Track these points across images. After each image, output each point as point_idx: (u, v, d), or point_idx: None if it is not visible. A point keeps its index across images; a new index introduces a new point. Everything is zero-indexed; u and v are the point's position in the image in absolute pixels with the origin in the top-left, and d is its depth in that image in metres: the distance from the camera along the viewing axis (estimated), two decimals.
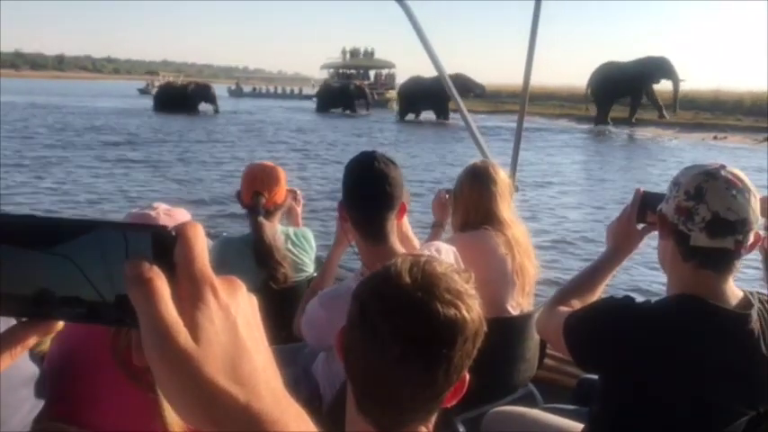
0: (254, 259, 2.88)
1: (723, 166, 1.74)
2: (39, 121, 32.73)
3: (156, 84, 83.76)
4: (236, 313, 0.50)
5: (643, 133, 36.13)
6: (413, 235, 2.71)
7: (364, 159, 2.21)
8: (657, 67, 38.08)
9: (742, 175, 1.74)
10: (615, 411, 1.84)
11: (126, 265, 0.49)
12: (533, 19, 3.91)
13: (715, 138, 33.05)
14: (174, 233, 0.51)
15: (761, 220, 1.76)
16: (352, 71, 69.01)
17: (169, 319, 0.47)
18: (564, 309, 1.94)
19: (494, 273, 2.80)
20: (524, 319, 2.85)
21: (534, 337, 2.84)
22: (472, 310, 1.20)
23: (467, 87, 42.76)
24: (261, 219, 2.92)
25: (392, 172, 2.19)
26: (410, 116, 44.86)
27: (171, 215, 1.89)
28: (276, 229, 2.99)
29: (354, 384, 1.28)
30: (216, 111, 45.52)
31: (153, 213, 1.88)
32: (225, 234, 3.42)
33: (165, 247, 0.50)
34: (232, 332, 0.50)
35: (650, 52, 42.37)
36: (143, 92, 77.42)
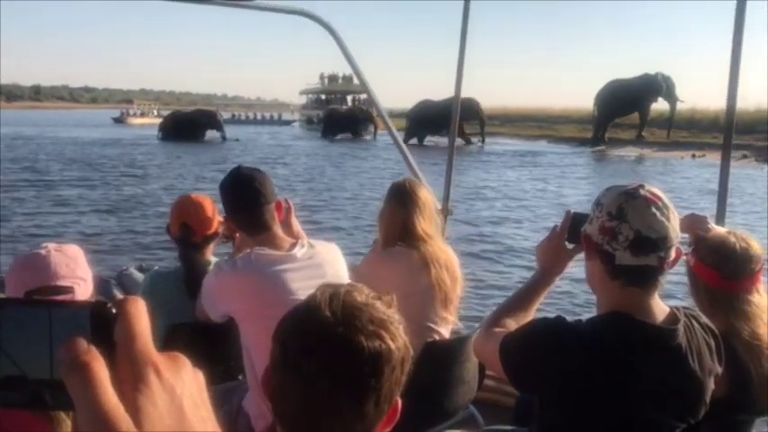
0: (185, 292, 2.82)
1: (642, 186, 1.79)
2: (26, 152, 31.07)
3: (132, 112, 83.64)
4: (181, 393, 0.48)
5: (627, 153, 36.09)
6: (302, 230, 2.81)
7: (233, 171, 2.57)
8: (659, 85, 38.12)
9: (661, 193, 1.79)
10: (552, 431, 1.87)
11: (61, 348, 0.46)
12: (461, 38, 4.04)
13: (693, 156, 33.24)
14: (114, 310, 0.49)
15: (680, 237, 1.81)
16: (331, 96, 69.11)
17: (108, 406, 0.44)
18: (499, 330, 1.95)
19: (409, 287, 2.83)
20: (461, 341, 2.90)
21: (473, 359, 2.87)
22: (397, 338, 1.20)
23: (473, 113, 42.56)
24: (190, 250, 2.91)
25: (258, 174, 2.54)
26: (413, 140, 42.29)
27: (62, 251, 1.87)
28: (208, 260, 2.95)
29: (284, 425, 1.25)
30: (223, 138, 44.48)
31: (43, 252, 1.86)
32: (156, 268, 3.37)
33: (105, 324, 0.49)
34: (177, 414, 0.47)
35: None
36: (117, 120, 76.52)
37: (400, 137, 4.36)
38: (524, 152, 36.82)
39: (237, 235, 2.71)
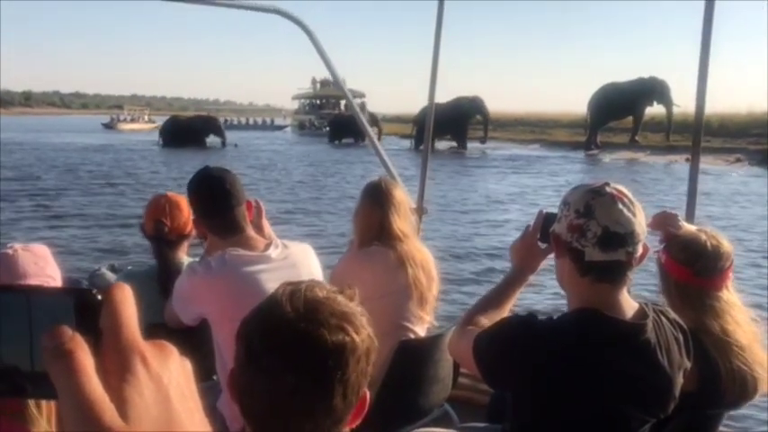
0: (159, 291, 2.78)
1: (607, 183, 1.83)
2: (30, 161, 29.87)
3: (122, 118, 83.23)
4: (168, 383, 0.46)
5: (622, 157, 35.84)
6: (272, 232, 2.77)
7: (201, 173, 2.52)
8: (653, 89, 37.95)
9: (626, 190, 1.82)
10: (525, 427, 1.89)
11: (44, 336, 0.45)
12: (435, 42, 3.99)
13: (687, 159, 32.74)
14: (99, 297, 0.48)
15: (646, 232, 1.84)
16: (324, 101, 69.06)
17: (93, 395, 0.43)
18: (473, 329, 1.96)
19: (387, 287, 2.85)
20: (435, 339, 2.90)
21: (447, 358, 2.87)
22: (360, 329, 1.20)
23: (479, 111, 42.74)
24: (164, 248, 2.88)
25: (227, 175, 2.50)
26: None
27: (30, 251, 1.86)
28: (182, 260, 2.92)
29: (253, 424, 1.25)
30: (223, 144, 44.02)
31: (10, 252, 1.84)
32: (129, 267, 3.35)
33: (90, 312, 0.47)
34: (164, 405, 0.45)
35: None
36: (107, 126, 76.06)
37: (375, 136, 4.40)
38: (533, 157, 36.40)
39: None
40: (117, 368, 0.45)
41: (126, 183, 22.15)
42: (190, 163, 27.73)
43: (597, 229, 1.76)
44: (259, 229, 2.66)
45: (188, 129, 43.91)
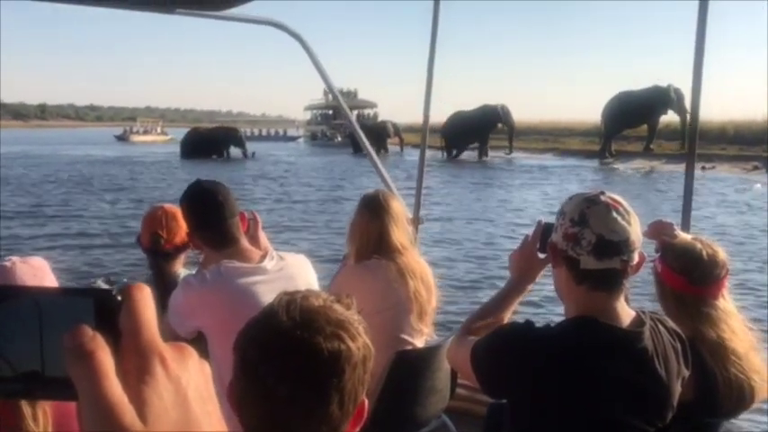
0: (156, 304, 2.42)
1: (602, 192, 1.84)
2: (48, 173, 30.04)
3: (135, 130, 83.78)
4: (186, 385, 0.46)
5: (636, 165, 35.38)
6: (269, 244, 2.76)
7: (193, 186, 2.52)
8: (668, 97, 37.55)
9: (620, 199, 1.83)
10: None
11: (65, 336, 0.45)
12: (430, 55, 3.99)
13: (703, 168, 32.28)
14: (118, 297, 0.48)
15: (642, 240, 1.84)
16: (335, 111, 69.28)
17: (113, 397, 0.43)
18: (472, 338, 1.97)
19: (387, 301, 2.84)
20: (432, 350, 2.89)
21: (445, 368, 2.86)
22: (357, 337, 1.20)
23: (505, 120, 42.72)
24: (161, 261, 2.89)
25: (219, 188, 2.50)
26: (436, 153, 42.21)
27: (27, 263, 1.88)
28: (178, 272, 2.92)
29: None
30: (245, 155, 43.96)
31: (8, 265, 1.86)
32: (125, 280, 3.35)
33: (109, 313, 0.47)
34: (183, 407, 0.45)
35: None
36: (120, 138, 76.56)
37: (369, 144, 4.35)
38: (558, 167, 36.02)
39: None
40: (136, 369, 0.45)
41: (149, 196, 21.61)
42: (219, 175, 27.57)
43: (592, 237, 1.77)
44: (255, 240, 2.65)
45: (209, 140, 43.71)
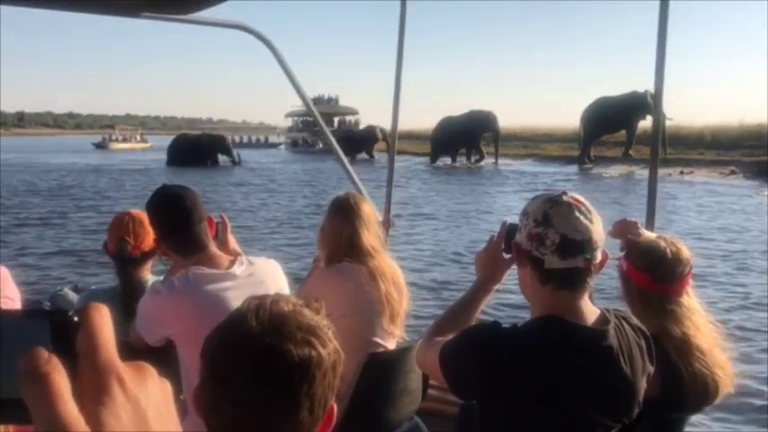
0: (121, 311, 2.68)
1: (565, 192, 1.86)
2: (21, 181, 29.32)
3: (114, 138, 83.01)
4: (146, 405, 0.46)
5: (615, 171, 35.39)
6: (238, 247, 2.75)
7: (160, 191, 2.47)
8: (647, 103, 37.73)
9: (582, 198, 1.85)
10: None
11: (20, 359, 0.44)
12: (397, 59, 4.00)
13: (681, 173, 32.20)
14: (76, 319, 0.47)
15: (604, 239, 1.86)
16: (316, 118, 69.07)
17: (68, 419, 0.42)
18: (440, 339, 1.97)
19: (358, 304, 2.84)
20: (404, 352, 2.88)
21: (416, 370, 2.85)
22: (327, 343, 1.19)
23: (491, 127, 42.77)
24: (128, 267, 2.85)
25: (187, 192, 2.45)
26: (446, 159, 42.79)
27: None
28: (146, 279, 2.89)
29: None
30: (233, 162, 43.69)
31: None
32: (93, 287, 3.33)
33: (67, 334, 0.46)
34: (142, 427, 0.45)
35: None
36: (99, 146, 75.60)
37: (339, 150, 4.45)
38: (541, 173, 35.90)
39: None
40: (94, 391, 0.44)
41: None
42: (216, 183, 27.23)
43: (555, 237, 1.79)
44: (224, 244, 2.63)
45: (194, 147, 43.26)
